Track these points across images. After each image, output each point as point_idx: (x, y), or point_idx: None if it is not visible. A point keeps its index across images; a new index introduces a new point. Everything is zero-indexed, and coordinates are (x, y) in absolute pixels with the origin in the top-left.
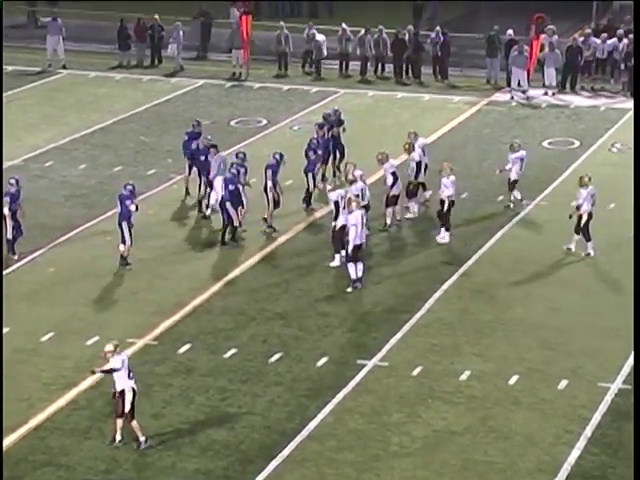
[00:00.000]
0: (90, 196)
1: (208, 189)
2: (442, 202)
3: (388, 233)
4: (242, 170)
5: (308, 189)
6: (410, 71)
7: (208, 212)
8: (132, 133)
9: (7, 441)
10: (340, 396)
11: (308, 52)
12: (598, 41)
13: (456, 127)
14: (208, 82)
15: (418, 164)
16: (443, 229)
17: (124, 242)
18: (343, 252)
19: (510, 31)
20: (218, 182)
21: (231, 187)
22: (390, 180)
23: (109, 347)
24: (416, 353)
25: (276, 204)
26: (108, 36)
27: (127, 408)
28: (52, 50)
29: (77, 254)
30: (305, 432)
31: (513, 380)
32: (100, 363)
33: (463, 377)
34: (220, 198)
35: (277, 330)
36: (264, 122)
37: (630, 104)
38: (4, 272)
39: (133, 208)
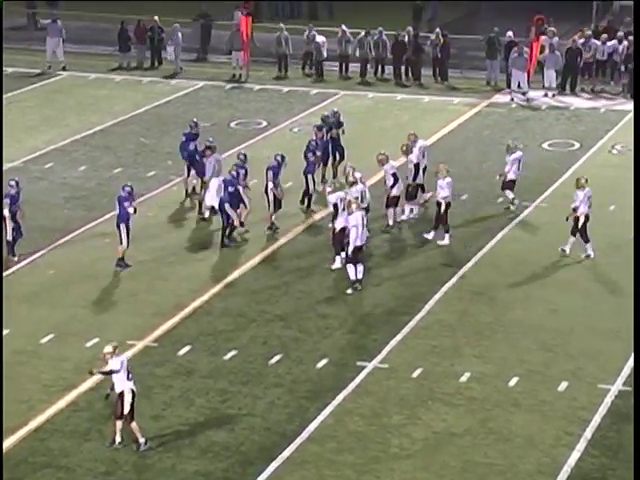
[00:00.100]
0: (90, 198)
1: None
2: (438, 204)
3: (388, 235)
4: (242, 172)
5: (308, 191)
6: (410, 73)
7: (207, 214)
8: (132, 135)
9: (7, 443)
10: (340, 398)
11: (308, 54)
12: (598, 43)
13: (456, 129)
14: (208, 84)
15: (416, 166)
16: (434, 231)
17: (121, 244)
18: (344, 254)
19: (510, 33)
20: (213, 184)
21: (230, 189)
22: (390, 181)
23: (108, 349)
24: (416, 355)
25: (277, 205)
26: (108, 38)
27: (126, 410)
28: (52, 52)
29: (77, 256)
30: (305, 434)
31: (513, 382)
32: (100, 365)
33: (463, 379)
34: (219, 200)
35: (277, 332)
36: (264, 124)
37: (630, 106)
38: (4, 274)
39: (131, 210)
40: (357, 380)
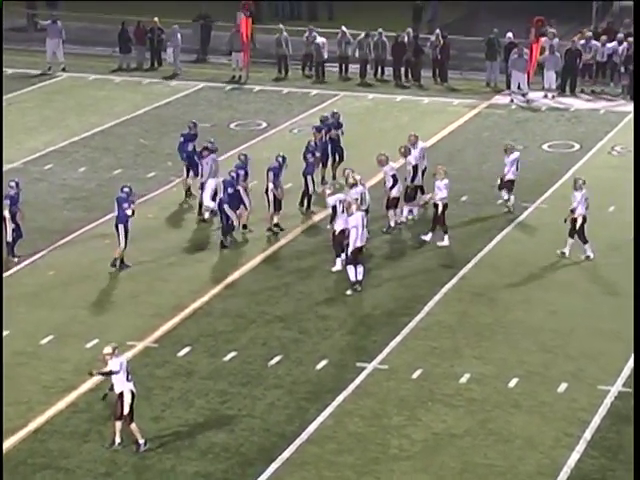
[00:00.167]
0: (90, 199)
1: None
2: (436, 205)
3: (388, 236)
4: (242, 173)
5: (307, 192)
6: (410, 74)
7: (207, 215)
8: (132, 136)
9: (7, 444)
10: (340, 399)
11: (308, 55)
12: (598, 44)
13: (456, 130)
14: (208, 85)
15: (414, 168)
16: (431, 232)
17: (119, 245)
18: (344, 256)
19: (510, 34)
20: (210, 184)
21: (230, 190)
22: (390, 182)
23: (108, 350)
24: (416, 356)
25: (277, 207)
26: (108, 39)
27: (126, 411)
28: (52, 53)
29: (77, 257)
30: (305, 435)
31: (513, 383)
32: (99, 366)
33: (463, 380)
34: (219, 200)
35: (277, 333)
36: (264, 125)
37: (630, 107)
38: (4, 275)
39: (129, 212)
40: (357, 381)
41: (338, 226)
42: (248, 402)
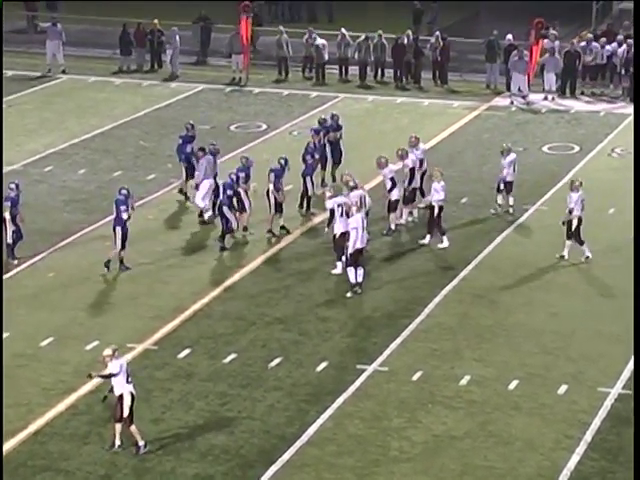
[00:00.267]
0: (89, 201)
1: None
2: (432, 207)
3: (388, 238)
4: (242, 175)
5: (307, 193)
6: (410, 76)
7: (207, 217)
8: (132, 138)
9: (7, 446)
10: (340, 401)
11: (308, 57)
12: (599, 46)
13: (456, 132)
14: (208, 87)
15: (411, 170)
16: (429, 235)
17: (115, 247)
18: (344, 259)
19: (509, 36)
20: (204, 185)
21: (229, 192)
22: (389, 185)
23: (107, 352)
24: (416, 358)
25: (278, 209)
26: (108, 41)
27: (126, 413)
28: (51, 55)
29: (76, 259)
30: (305, 437)
31: (513, 385)
32: (99, 368)
33: (463, 382)
34: (219, 203)
35: (277, 335)
36: (264, 127)
37: (630, 109)
38: (4, 277)
39: (124, 216)
40: (357, 383)
41: (338, 229)
42: (248, 404)
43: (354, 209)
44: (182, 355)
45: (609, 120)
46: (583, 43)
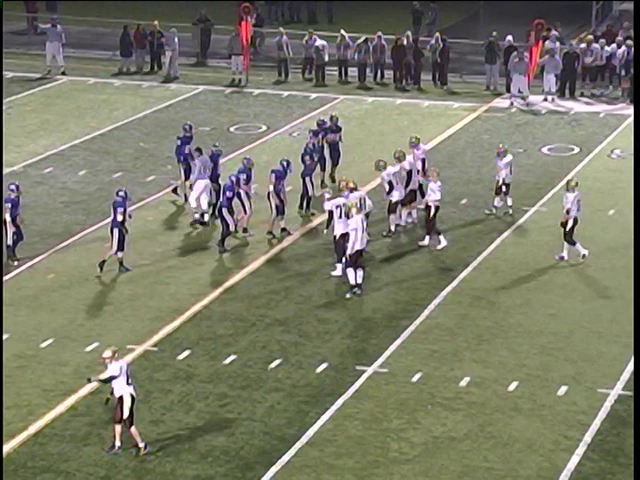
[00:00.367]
0: (89, 202)
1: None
2: (428, 207)
3: (388, 239)
4: (243, 176)
5: (307, 193)
6: (409, 77)
7: (206, 218)
8: (131, 139)
9: (7, 447)
10: (340, 402)
11: (308, 59)
12: (598, 47)
13: (455, 133)
14: (208, 88)
15: (409, 173)
16: (428, 236)
17: (111, 248)
18: (344, 260)
19: (509, 37)
20: (198, 186)
21: (229, 194)
22: (387, 188)
23: (107, 353)
24: (416, 359)
25: (279, 211)
26: (107, 42)
27: (126, 414)
28: (51, 56)
29: (76, 260)
30: (305, 438)
31: (513, 386)
32: (99, 369)
33: (463, 383)
34: (218, 205)
35: (277, 336)
36: (264, 128)
37: (629, 110)
38: (4, 278)
39: (120, 218)
40: (357, 384)
41: (338, 231)
42: (248, 405)
43: (354, 210)
44: (182, 356)
45: (609, 121)
46: (583, 44)
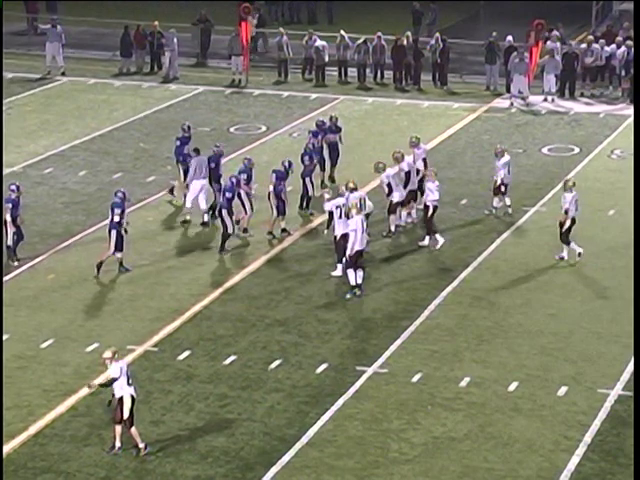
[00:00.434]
0: (89, 203)
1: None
2: (426, 207)
3: (388, 240)
4: (243, 177)
5: (307, 194)
6: (409, 78)
7: (206, 218)
8: (131, 140)
9: (7, 448)
10: (340, 403)
11: (308, 59)
12: (599, 47)
13: (455, 134)
14: (207, 89)
15: (407, 174)
16: (428, 237)
17: (109, 249)
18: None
19: (509, 37)
20: (194, 186)
21: (228, 195)
22: (386, 190)
23: (107, 354)
24: (416, 360)
25: (280, 211)
26: (107, 43)
27: (126, 415)
28: (51, 57)
29: (77, 261)
30: (305, 439)
31: (513, 386)
32: (100, 370)
33: (463, 384)
34: (218, 206)
35: (277, 337)
36: (264, 129)
37: (629, 111)
38: (4, 279)
39: (117, 219)
40: (357, 385)
41: (338, 231)
42: (248, 406)
43: (354, 211)
44: (182, 357)
45: (609, 121)
46: (583, 45)
